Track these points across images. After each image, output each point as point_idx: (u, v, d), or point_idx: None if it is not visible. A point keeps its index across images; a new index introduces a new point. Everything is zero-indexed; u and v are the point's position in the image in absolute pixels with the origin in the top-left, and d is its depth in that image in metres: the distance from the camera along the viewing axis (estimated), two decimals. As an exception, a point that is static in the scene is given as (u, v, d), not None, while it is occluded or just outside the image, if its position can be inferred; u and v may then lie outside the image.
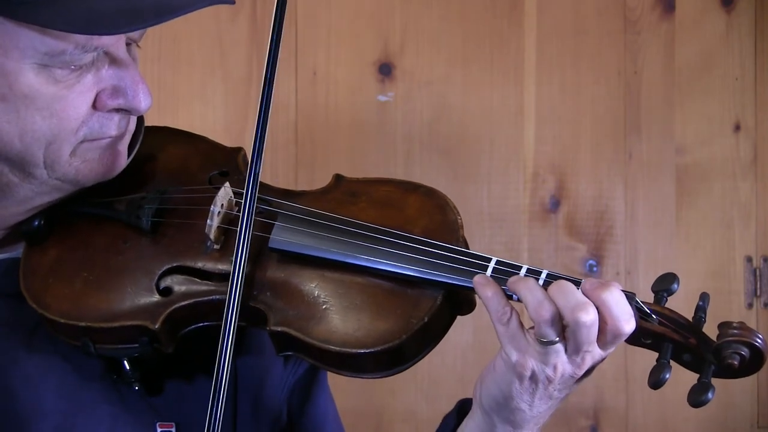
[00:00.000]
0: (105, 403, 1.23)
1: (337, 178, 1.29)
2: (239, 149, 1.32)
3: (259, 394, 1.31)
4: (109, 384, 1.23)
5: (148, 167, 1.29)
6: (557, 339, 1.09)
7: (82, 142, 1.16)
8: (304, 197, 1.26)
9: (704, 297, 1.16)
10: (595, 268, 2.23)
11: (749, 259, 2.27)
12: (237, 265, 1.13)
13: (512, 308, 1.11)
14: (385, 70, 2.19)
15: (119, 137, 1.20)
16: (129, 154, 1.24)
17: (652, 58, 2.25)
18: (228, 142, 2.20)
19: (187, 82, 2.13)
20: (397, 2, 2.20)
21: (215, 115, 2.14)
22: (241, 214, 1.15)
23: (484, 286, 1.12)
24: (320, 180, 2.17)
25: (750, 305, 2.26)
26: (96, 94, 1.14)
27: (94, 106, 1.15)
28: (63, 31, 1.06)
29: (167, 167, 1.30)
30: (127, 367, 1.21)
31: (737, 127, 2.27)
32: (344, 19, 2.18)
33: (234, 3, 1.17)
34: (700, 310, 1.14)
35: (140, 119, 1.25)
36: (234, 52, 2.15)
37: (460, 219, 1.21)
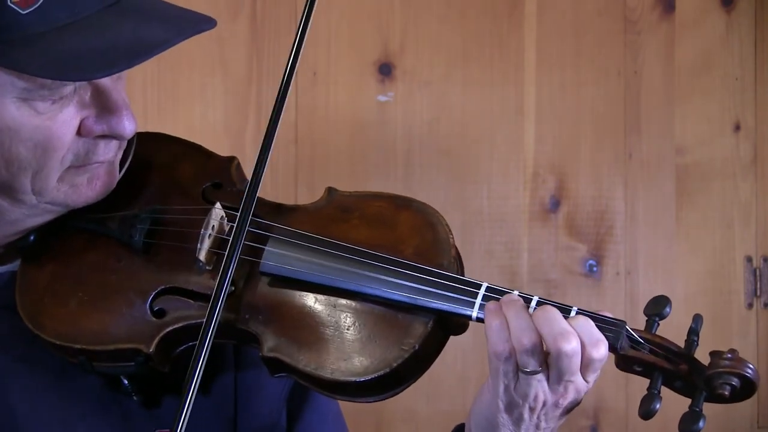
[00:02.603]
0: (105, 413, 1.23)
1: (330, 191, 1.27)
2: (232, 159, 1.31)
3: (259, 403, 1.31)
4: (108, 393, 1.23)
5: (141, 178, 1.28)
6: (539, 369, 1.09)
7: (68, 168, 1.16)
8: (296, 214, 1.25)
9: (697, 319, 1.15)
10: (595, 268, 2.23)
11: (749, 259, 2.27)
12: (218, 293, 1.12)
13: (513, 346, 1.09)
14: (385, 70, 2.19)
15: (107, 163, 1.20)
16: (121, 168, 1.24)
17: (652, 58, 2.25)
18: (228, 142, 2.19)
19: (187, 82, 2.13)
20: (397, 2, 2.20)
21: (215, 115, 2.14)
22: (227, 251, 1.14)
23: (493, 313, 1.11)
24: (319, 180, 2.17)
25: (750, 305, 2.26)
26: (80, 121, 1.14)
27: (79, 132, 1.15)
28: (35, 75, 1.07)
29: (160, 178, 1.29)
30: (126, 383, 1.21)
31: (737, 127, 2.27)
32: (344, 19, 2.18)
33: (215, 26, 1.15)
34: (693, 333, 1.14)
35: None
36: (234, 52, 2.15)
37: (452, 237, 1.20)
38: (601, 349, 1.09)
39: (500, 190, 2.23)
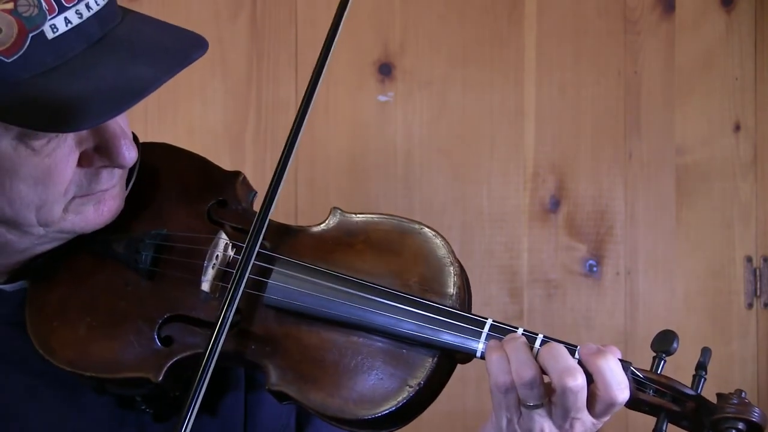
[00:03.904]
0: (119, 426, 1.23)
1: (334, 212, 1.26)
2: (237, 174, 1.31)
3: (268, 409, 1.31)
4: (123, 407, 1.24)
5: (147, 194, 1.28)
6: (540, 403, 1.08)
7: (73, 198, 1.16)
8: (300, 238, 1.24)
9: (705, 352, 1.14)
10: (595, 268, 2.23)
11: (749, 259, 2.27)
12: (219, 332, 1.12)
13: (513, 380, 1.09)
14: (385, 70, 2.19)
15: (110, 189, 1.20)
16: (127, 185, 1.24)
17: (652, 58, 2.25)
18: (228, 142, 2.18)
19: (187, 82, 2.13)
20: (397, 2, 2.20)
21: (215, 115, 2.14)
22: (228, 289, 1.14)
23: (493, 349, 1.11)
24: (319, 180, 2.17)
25: (750, 305, 2.26)
26: (79, 154, 1.14)
27: (80, 164, 1.14)
28: (21, 127, 1.07)
29: (166, 195, 1.28)
30: (139, 400, 1.22)
31: (737, 127, 2.27)
32: (344, 19, 2.18)
33: (206, 51, 1.15)
34: (701, 368, 1.13)
35: (135, 140, 1.24)
36: (234, 52, 2.15)
37: (457, 266, 1.20)
38: (624, 393, 1.08)
39: (500, 190, 2.23)
